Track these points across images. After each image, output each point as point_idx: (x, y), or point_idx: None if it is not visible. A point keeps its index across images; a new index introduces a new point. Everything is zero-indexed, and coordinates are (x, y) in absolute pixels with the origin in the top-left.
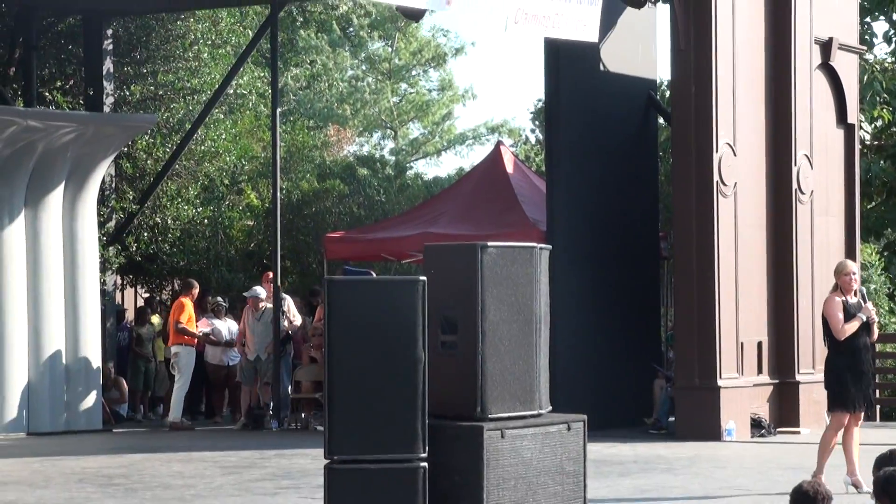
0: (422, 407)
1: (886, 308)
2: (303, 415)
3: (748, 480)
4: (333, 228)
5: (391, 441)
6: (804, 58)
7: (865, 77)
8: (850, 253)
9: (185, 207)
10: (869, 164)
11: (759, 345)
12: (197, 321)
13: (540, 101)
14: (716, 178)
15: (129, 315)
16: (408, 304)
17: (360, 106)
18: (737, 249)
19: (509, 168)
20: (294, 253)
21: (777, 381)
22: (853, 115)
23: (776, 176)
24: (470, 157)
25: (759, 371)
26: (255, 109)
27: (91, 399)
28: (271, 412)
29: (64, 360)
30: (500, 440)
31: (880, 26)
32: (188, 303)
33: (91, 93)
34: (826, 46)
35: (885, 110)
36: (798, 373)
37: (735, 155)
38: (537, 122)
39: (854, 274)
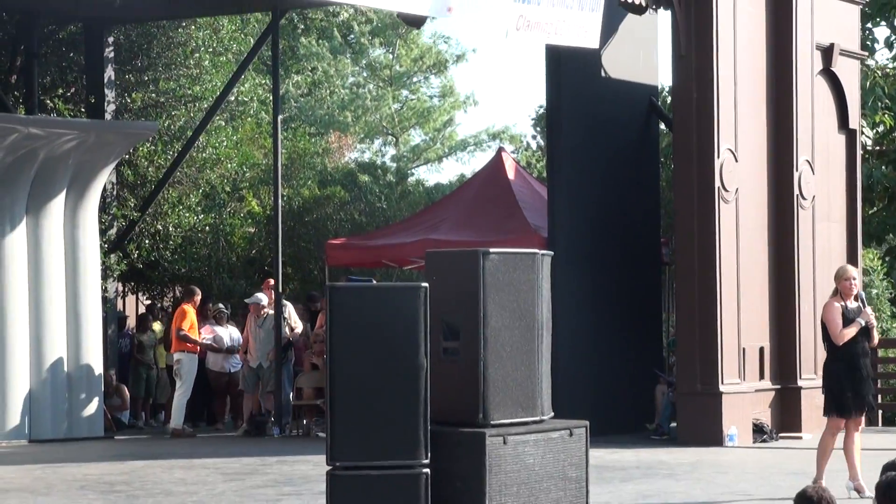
0: (424, 413)
1: (889, 313)
2: (304, 421)
3: (750, 486)
4: (335, 235)
5: (393, 447)
6: (805, 63)
7: (867, 83)
8: (852, 258)
9: (187, 214)
10: (870, 170)
11: (761, 350)
12: (199, 328)
13: (541, 107)
14: (717, 183)
15: (131, 322)
16: (410, 311)
17: (361, 113)
18: (738, 255)
19: (511, 174)
20: (295, 260)
21: (779, 386)
22: (854, 121)
23: (778, 181)
24: (471, 164)
25: (761, 376)
26: (257, 116)
27: (93, 406)
28: (273, 419)
29: (65, 368)
30: (502, 446)
31: (881, 32)
32: (190, 310)
33: (92, 100)
34: (827, 52)
35: (886, 116)
36: (800, 378)
37: (736, 160)
38: (538, 129)
39: (854, 279)
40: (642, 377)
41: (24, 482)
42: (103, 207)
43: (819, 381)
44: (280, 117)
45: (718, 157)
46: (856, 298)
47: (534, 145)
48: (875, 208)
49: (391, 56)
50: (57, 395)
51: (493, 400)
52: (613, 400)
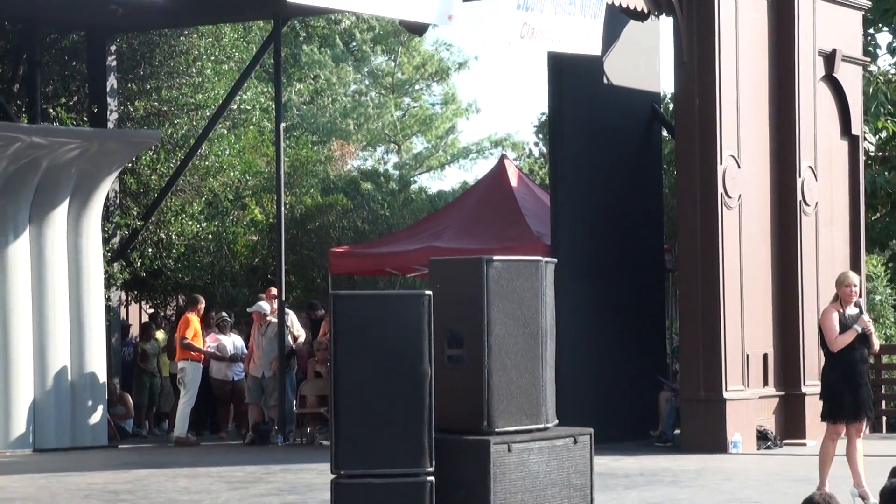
0: (428, 421)
1: (892, 319)
2: (308, 430)
3: (754, 493)
4: (337, 243)
5: (398, 455)
6: (808, 69)
7: (870, 89)
8: (855, 264)
9: (190, 223)
10: (873, 176)
11: (765, 357)
12: (203, 336)
13: (543, 114)
14: (720, 190)
15: (134, 331)
16: (413, 319)
17: (363, 120)
18: (741, 261)
19: (513, 182)
20: (298, 268)
21: (783, 392)
22: (857, 127)
23: (780, 188)
24: (474, 171)
25: (765, 383)
26: (259, 124)
27: (96, 415)
28: (276, 427)
29: (69, 376)
30: (506, 454)
31: (884, 38)
32: (194, 318)
33: (95, 109)
34: (830, 58)
35: (889, 122)
36: (804, 384)
37: (739, 167)
38: (541, 136)
39: (855, 286)
40: (646, 384)
41: (29, 491)
42: (106, 216)
43: None
44: (282, 125)
45: (721, 163)
46: (856, 305)
47: (536, 152)
48: (878, 214)
49: (393, 64)
50: (61, 404)
51: (498, 407)
52: (617, 407)
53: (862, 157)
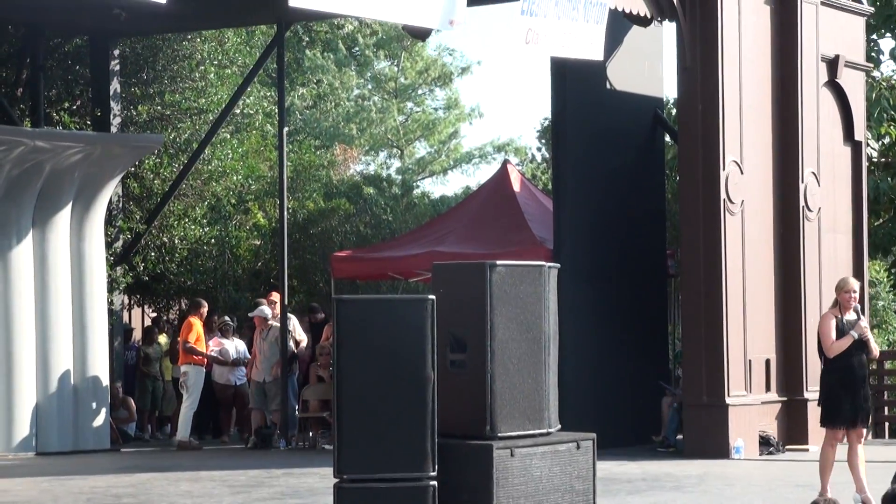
0: (431, 425)
1: (895, 325)
2: (310, 434)
3: (757, 498)
4: (340, 247)
5: (400, 460)
6: (811, 75)
7: (872, 94)
8: (858, 270)
9: (192, 227)
10: (876, 182)
11: (768, 362)
12: (206, 341)
13: (546, 119)
14: (723, 195)
15: (137, 334)
16: (416, 323)
17: (366, 125)
18: (744, 267)
19: (516, 186)
20: (301, 272)
21: (785, 398)
22: (860, 133)
23: (783, 193)
24: (476, 176)
25: (768, 388)
26: (262, 129)
27: (99, 418)
28: (279, 431)
29: (72, 380)
30: (509, 459)
31: (887, 43)
32: (196, 322)
33: (98, 113)
34: (833, 64)
35: (892, 127)
36: (806, 390)
37: (742, 173)
38: (543, 141)
39: (854, 292)
40: (648, 389)
41: (31, 494)
42: (109, 220)
43: None
44: (285, 130)
45: (724, 169)
46: (854, 311)
47: (539, 157)
48: (881, 220)
49: (396, 68)
50: (63, 408)
51: (501, 412)
52: (620, 412)
53: (865, 163)
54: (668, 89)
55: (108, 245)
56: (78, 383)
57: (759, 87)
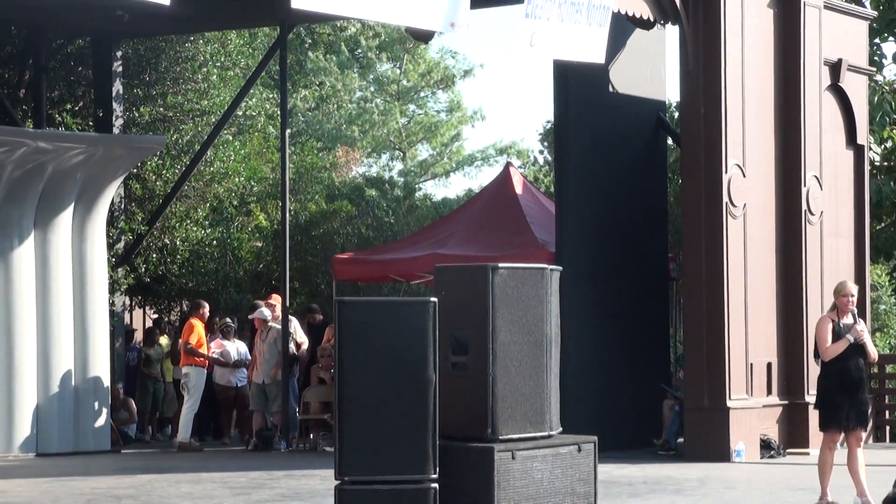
0: (432, 428)
1: None
2: (311, 436)
3: (757, 502)
4: (342, 249)
5: (402, 462)
6: (813, 79)
7: (875, 98)
8: (860, 274)
9: (194, 228)
10: (879, 186)
11: (769, 366)
12: (208, 342)
13: (549, 122)
14: (725, 198)
15: (138, 336)
16: (418, 325)
17: (368, 127)
18: (746, 270)
19: (518, 189)
20: (303, 274)
21: (786, 402)
22: (862, 137)
23: (785, 197)
24: (479, 179)
25: (769, 392)
26: (264, 131)
27: (100, 420)
28: (280, 433)
29: (73, 381)
30: (510, 461)
31: (889, 47)
32: (198, 323)
33: (100, 114)
34: (835, 68)
35: (894, 132)
36: (807, 394)
37: (744, 176)
38: (546, 144)
39: (852, 296)
40: (649, 392)
41: (32, 495)
42: (111, 221)
43: None
44: (287, 131)
45: (726, 172)
46: (851, 315)
47: (541, 160)
48: (883, 224)
49: (398, 71)
50: (64, 409)
51: (502, 415)
52: (620, 415)
53: (867, 167)
54: (671, 92)
55: (110, 246)
56: (79, 384)
57: (761, 90)
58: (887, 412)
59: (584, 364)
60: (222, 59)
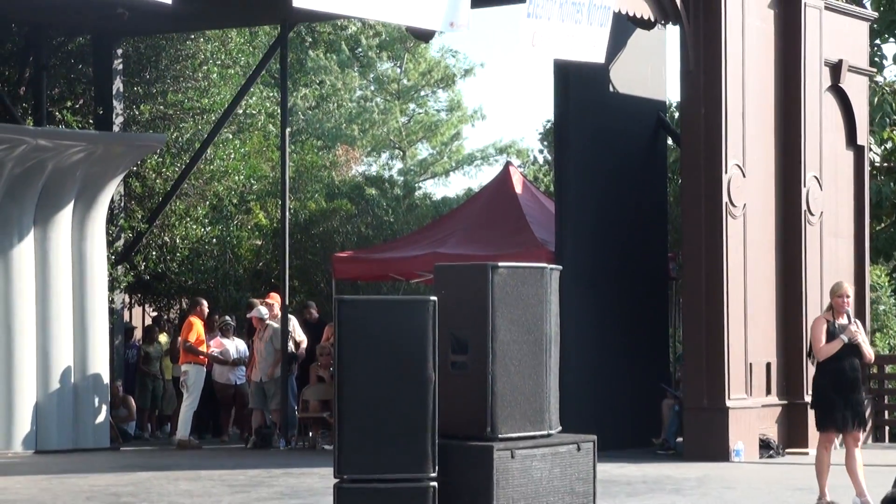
0: (432, 426)
1: None
2: (310, 434)
3: (756, 501)
4: (341, 248)
5: (401, 460)
6: (814, 80)
7: (875, 99)
8: (860, 274)
9: (194, 226)
10: (878, 186)
11: (768, 366)
12: (207, 340)
13: (549, 121)
14: (725, 198)
15: (138, 333)
16: (418, 324)
17: (368, 126)
18: (746, 270)
19: (518, 188)
20: (302, 272)
21: (786, 402)
22: (863, 137)
23: (785, 197)
24: (478, 178)
25: (768, 392)
26: (264, 129)
27: (99, 417)
28: (278, 431)
29: (72, 378)
30: (510, 460)
31: (890, 48)
32: (197, 321)
33: (101, 112)
34: (836, 68)
35: (894, 132)
36: (807, 394)
37: (744, 176)
38: (546, 143)
39: (848, 296)
40: (649, 392)
41: (31, 493)
42: (111, 219)
43: None
44: (288, 130)
45: (726, 172)
46: (846, 316)
47: (541, 159)
48: (882, 224)
49: (399, 70)
50: (63, 406)
51: (501, 414)
52: (620, 414)
53: (867, 168)
54: (671, 92)
55: (110, 244)
56: (78, 382)
57: (762, 90)
58: (886, 412)
59: (583, 363)
60: (223, 58)
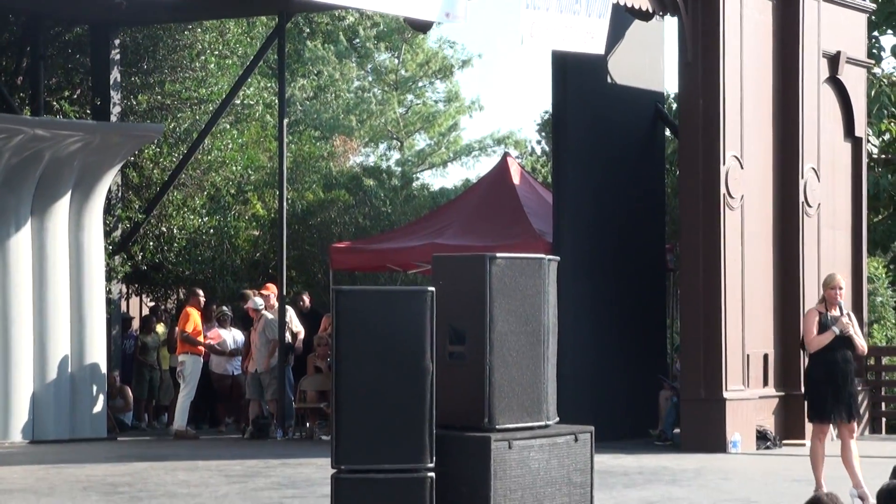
0: (429, 417)
1: (893, 321)
2: (307, 424)
3: (753, 492)
4: (339, 239)
5: (399, 451)
6: (812, 71)
7: (873, 91)
8: (857, 266)
9: (191, 217)
10: (876, 178)
11: (765, 357)
12: (205, 330)
13: (546, 112)
14: (723, 190)
15: (135, 324)
16: (416, 315)
17: (366, 117)
18: (743, 262)
19: (516, 179)
20: (300, 263)
21: (783, 393)
22: (860, 129)
23: (783, 189)
24: (476, 169)
25: (765, 383)
26: (262, 120)
27: (96, 407)
28: (276, 422)
29: (69, 369)
30: (507, 451)
31: (888, 40)
32: (193, 312)
33: (98, 102)
34: (834, 60)
35: (892, 124)
36: (803, 385)
37: (742, 167)
38: (543, 134)
39: (841, 289)
40: (646, 383)
41: (28, 483)
42: (108, 209)
43: None
44: (285, 121)
45: (724, 163)
46: (838, 308)
47: (539, 150)
48: (880, 216)
49: (397, 61)
50: (60, 396)
51: (499, 404)
52: (617, 405)
53: (865, 160)
54: (669, 83)
55: (107, 234)
56: (75, 372)
57: (760, 82)
58: (883, 404)
59: (581, 354)
60: (220, 48)
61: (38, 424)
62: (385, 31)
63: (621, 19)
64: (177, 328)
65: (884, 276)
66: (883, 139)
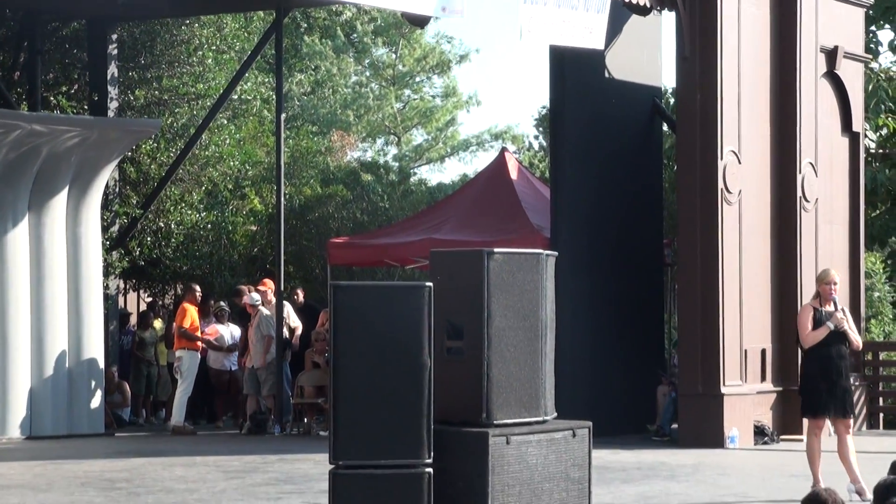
0: (427, 413)
1: (890, 316)
2: (305, 420)
3: (751, 488)
4: (337, 234)
5: (396, 446)
6: (809, 66)
7: (870, 86)
8: (854, 261)
9: (189, 212)
10: (874, 173)
11: (763, 352)
12: (202, 326)
13: (544, 107)
14: (720, 185)
15: (133, 319)
16: (414, 310)
17: (363, 112)
18: (741, 257)
19: (513, 174)
20: (297, 258)
21: (780, 388)
22: (858, 124)
23: (781, 184)
24: (474, 164)
25: (763, 378)
26: (259, 115)
27: (93, 403)
28: (273, 417)
29: (67, 364)
30: (505, 446)
31: (885, 35)
32: (190, 307)
33: (95, 97)
34: (831, 55)
35: (890, 119)
36: None
37: (740, 162)
38: (541, 129)
39: (835, 284)
40: (644, 378)
41: (25, 478)
42: (105, 204)
43: None
44: (283, 116)
45: (721, 158)
46: (832, 303)
47: (536, 145)
48: (877, 211)
49: (394, 56)
50: (58, 392)
51: (497, 400)
52: (615, 401)
53: (862, 154)
54: (667, 78)
55: (105, 229)
56: (73, 367)
57: (757, 77)
58: (881, 399)
59: (578, 349)
60: (218, 43)
61: (36, 420)
62: (382, 26)
63: (619, 14)
64: (174, 324)
65: (881, 271)
66: (880, 134)
